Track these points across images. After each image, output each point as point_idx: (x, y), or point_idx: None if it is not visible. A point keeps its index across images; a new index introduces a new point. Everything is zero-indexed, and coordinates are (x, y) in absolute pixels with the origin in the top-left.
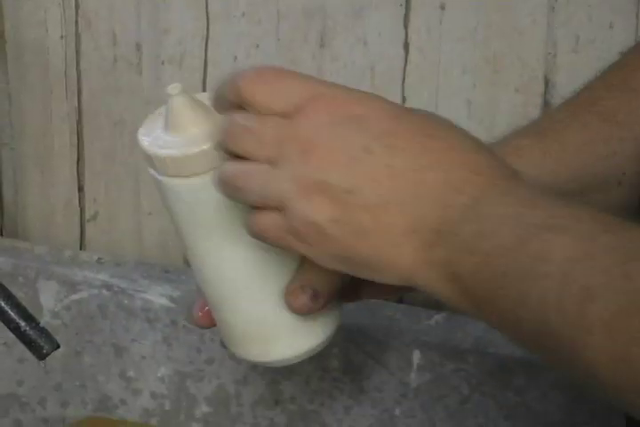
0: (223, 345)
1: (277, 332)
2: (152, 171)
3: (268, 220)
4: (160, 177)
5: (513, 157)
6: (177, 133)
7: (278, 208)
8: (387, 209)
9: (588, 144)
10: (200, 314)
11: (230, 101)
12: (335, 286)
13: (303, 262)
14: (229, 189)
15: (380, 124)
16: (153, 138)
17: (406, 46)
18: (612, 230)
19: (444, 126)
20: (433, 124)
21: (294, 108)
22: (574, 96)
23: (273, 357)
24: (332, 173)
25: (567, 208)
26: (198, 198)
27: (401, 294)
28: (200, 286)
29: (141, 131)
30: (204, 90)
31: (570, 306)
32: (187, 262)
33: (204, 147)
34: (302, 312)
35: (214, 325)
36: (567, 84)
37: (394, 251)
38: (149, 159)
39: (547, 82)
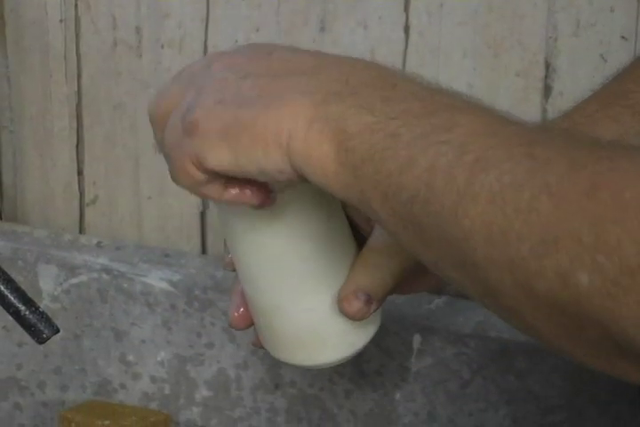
0: (261, 347)
1: (326, 337)
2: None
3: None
4: None
5: None
6: None
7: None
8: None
9: (620, 138)
10: (236, 315)
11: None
12: (388, 289)
13: (355, 267)
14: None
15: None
16: None
17: (407, 30)
18: (517, 123)
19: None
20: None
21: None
22: (603, 88)
23: (320, 361)
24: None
25: (478, 102)
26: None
27: (440, 286)
28: (248, 292)
29: None
30: None
31: (460, 172)
32: (227, 266)
33: None
34: (357, 318)
35: (250, 326)
36: (568, 68)
37: (279, 111)
38: None
39: (547, 66)
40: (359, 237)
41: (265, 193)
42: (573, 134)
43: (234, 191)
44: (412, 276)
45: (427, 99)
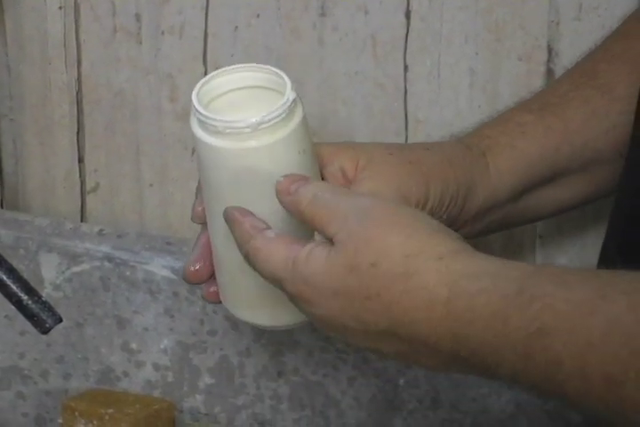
0: (213, 302)
1: None
2: (201, 131)
3: None
4: (213, 137)
5: (516, 134)
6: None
7: None
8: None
9: (590, 119)
10: (192, 269)
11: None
12: None
13: None
14: None
15: None
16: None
17: (408, 14)
18: (605, 295)
19: None
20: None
21: None
22: (576, 65)
23: (281, 321)
24: None
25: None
26: (245, 162)
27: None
28: (215, 246)
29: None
30: (204, 60)
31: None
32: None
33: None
34: None
35: (203, 282)
36: (570, 52)
37: None
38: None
39: (550, 50)
40: None
41: None
42: None
43: None
44: None
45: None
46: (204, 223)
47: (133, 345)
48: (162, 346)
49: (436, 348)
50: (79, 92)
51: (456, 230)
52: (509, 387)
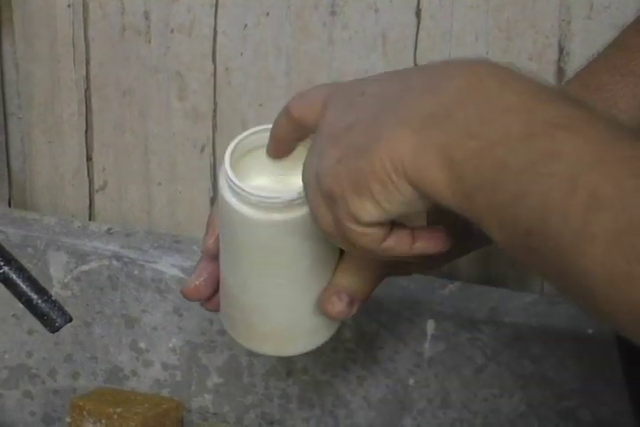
0: (212, 310)
1: (298, 335)
2: (234, 198)
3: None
4: (243, 205)
5: None
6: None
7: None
8: (378, 115)
9: None
10: (192, 286)
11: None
12: (369, 291)
13: (338, 269)
14: None
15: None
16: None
17: (418, 13)
18: (625, 139)
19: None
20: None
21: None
22: (576, 77)
23: (285, 353)
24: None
25: (582, 110)
26: (274, 232)
27: (443, 264)
28: (229, 284)
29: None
30: (213, 59)
31: (574, 211)
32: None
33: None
34: (338, 319)
35: (201, 300)
36: (581, 51)
37: (388, 149)
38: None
39: (561, 49)
40: None
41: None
42: None
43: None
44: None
45: (522, 113)
46: (211, 257)
47: (142, 344)
48: (170, 345)
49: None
50: (88, 90)
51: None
52: (521, 387)
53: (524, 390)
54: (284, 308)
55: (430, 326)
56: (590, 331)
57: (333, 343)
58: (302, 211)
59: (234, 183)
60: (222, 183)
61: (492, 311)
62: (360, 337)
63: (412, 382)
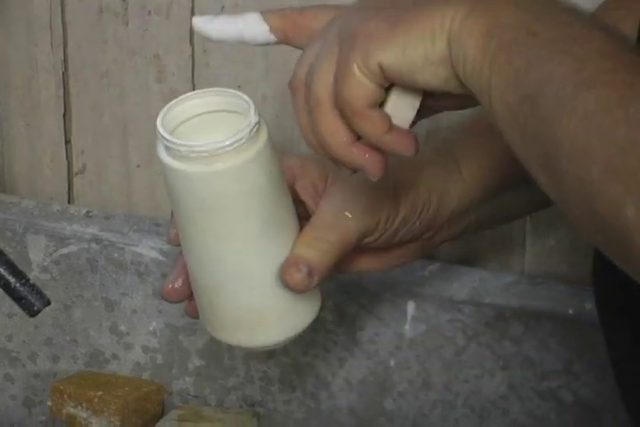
0: (196, 317)
1: (267, 318)
2: (168, 156)
3: None
4: (179, 161)
5: (485, 134)
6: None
7: None
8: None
9: None
10: (170, 287)
11: None
12: (329, 263)
13: (297, 240)
14: None
15: None
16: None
17: None
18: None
19: None
20: None
21: None
22: None
23: (259, 342)
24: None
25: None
26: (212, 186)
27: (395, 265)
28: (191, 268)
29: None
30: (191, 41)
31: (570, 86)
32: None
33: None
34: (298, 290)
35: (181, 301)
36: None
37: (441, 6)
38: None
39: None
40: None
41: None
42: None
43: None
44: (356, 254)
45: (567, 10)
46: (179, 245)
47: (122, 327)
48: (151, 328)
49: None
50: (65, 73)
51: (433, 235)
52: (502, 368)
53: (505, 371)
54: (246, 283)
55: (411, 307)
56: (571, 311)
57: (314, 325)
58: (239, 159)
59: (163, 137)
60: (158, 146)
61: (473, 292)
62: (340, 319)
63: (392, 363)
